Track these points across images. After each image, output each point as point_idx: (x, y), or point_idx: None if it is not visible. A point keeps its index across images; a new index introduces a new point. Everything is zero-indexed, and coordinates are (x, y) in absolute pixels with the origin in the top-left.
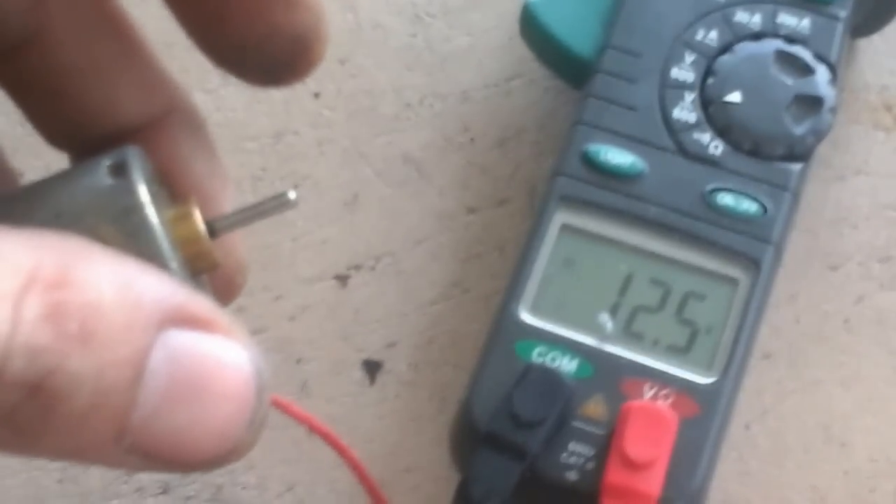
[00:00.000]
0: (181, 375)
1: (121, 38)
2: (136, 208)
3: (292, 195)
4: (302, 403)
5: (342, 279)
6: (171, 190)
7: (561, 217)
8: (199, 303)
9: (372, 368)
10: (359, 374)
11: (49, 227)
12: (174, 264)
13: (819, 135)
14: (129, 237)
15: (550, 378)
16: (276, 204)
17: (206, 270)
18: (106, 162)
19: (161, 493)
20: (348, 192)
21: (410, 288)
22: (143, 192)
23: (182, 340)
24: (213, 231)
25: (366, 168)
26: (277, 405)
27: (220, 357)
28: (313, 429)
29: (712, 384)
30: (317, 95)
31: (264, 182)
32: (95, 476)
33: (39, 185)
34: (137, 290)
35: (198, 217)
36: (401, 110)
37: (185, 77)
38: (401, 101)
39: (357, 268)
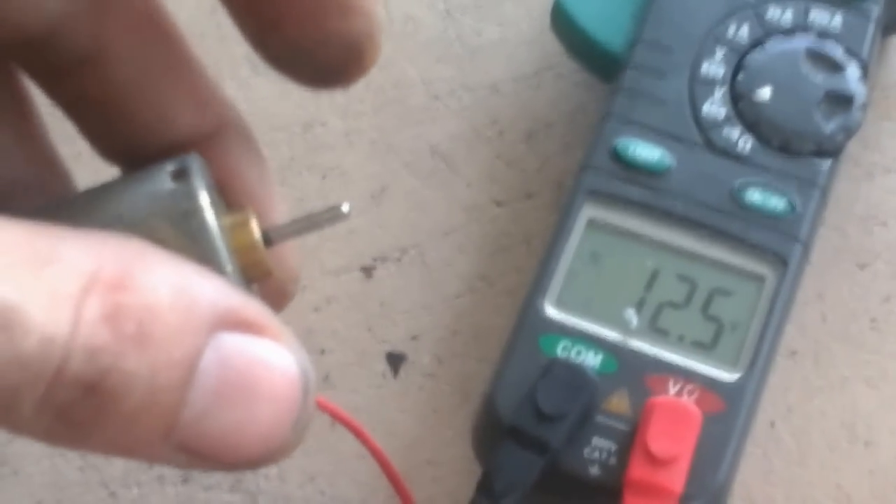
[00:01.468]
0: (231, 377)
1: (176, 54)
2: (196, 212)
3: (346, 208)
4: (325, 395)
5: (367, 271)
6: (227, 201)
7: (588, 211)
8: (251, 307)
9: (395, 361)
10: (382, 366)
11: (110, 229)
12: (230, 268)
13: (849, 132)
14: (189, 240)
15: (575, 373)
16: (330, 216)
17: (260, 279)
18: (168, 167)
19: (182, 483)
20: (376, 184)
21: (436, 280)
22: (204, 197)
23: (233, 343)
24: (267, 240)
25: (394, 160)
26: None
27: (269, 360)
28: (337, 418)
29: (737, 381)
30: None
31: (292, 172)
32: (117, 464)
33: (100, 189)
34: (193, 293)
35: (254, 226)
36: (429, 102)
37: (215, 67)
38: (430, 94)
39: (383, 260)
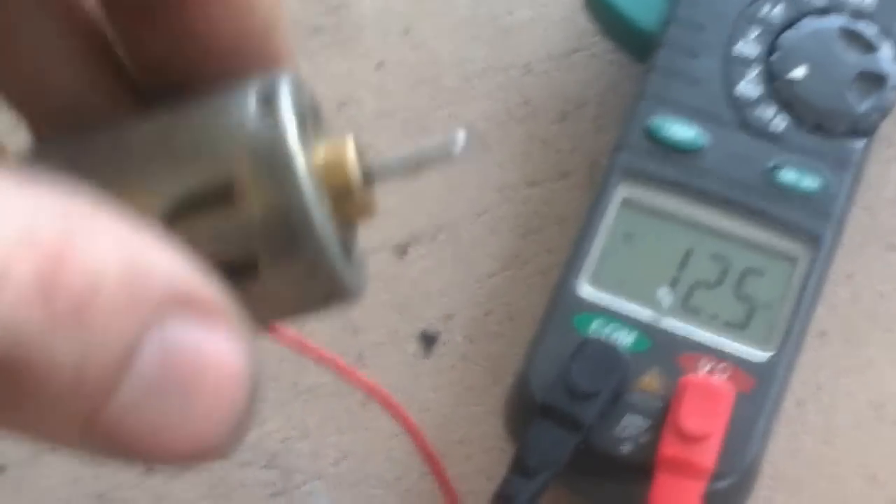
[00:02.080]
0: (172, 369)
1: None
2: (279, 145)
3: (461, 139)
4: (358, 373)
5: (401, 250)
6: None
7: (622, 191)
8: (209, 290)
9: (428, 340)
10: (415, 345)
11: (180, 155)
12: (317, 214)
13: (882, 112)
14: (270, 179)
15: (607, 351)
16: (443, 151)
17: (358, 220)
18: (254, 87)
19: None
20: None
21: (468, 260)
22: (291, 128)
23: (180, 331)
24: (368, 178)
25: (427, 139)
26: (340, 371)
27: (217, 355)
28: (374, 395)
29: (769, 360)
30: (379, 66)
31: None
32: None
33: (169, 112)
34: (144, 268)
35: (353, 161)
36: (462, 82)
37: None
38: (463, 73)
39: (416, 239)
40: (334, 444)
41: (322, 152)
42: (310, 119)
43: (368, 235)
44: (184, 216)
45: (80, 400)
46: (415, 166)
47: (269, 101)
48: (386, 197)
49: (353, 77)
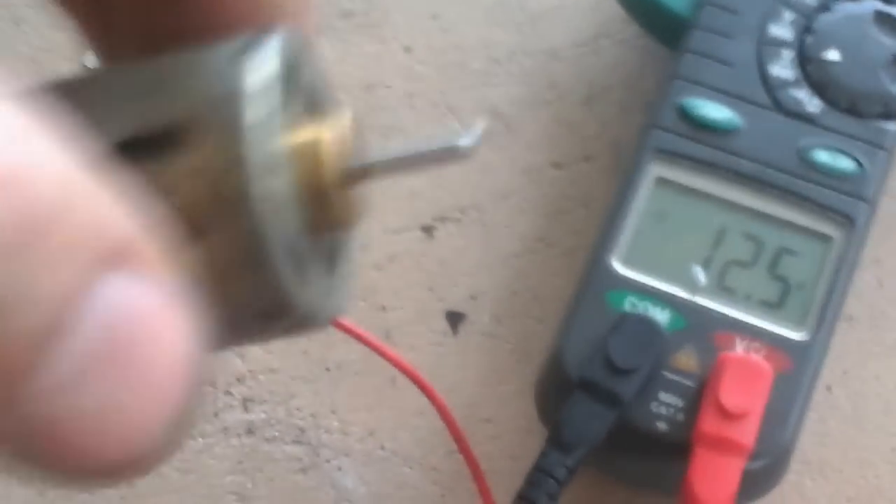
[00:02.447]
0: (110, 339)
1: None
2: (232, 93)
3: (467, 141)
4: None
5: (428, 230)
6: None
7: (655, 170)
8: (158, 249)
9: (455, 319)
10: (442, 324)
11: (141, 92)
12: (262, 184)
13: None
14: (216, 131)
15: (647, 327)
16: (445, 154)
17: (328, 228)
18: (242, 37)
19: (246, 434)
20: None
21: (495, 241)
22: (254, 80)
23: (123, 290)
24: (356, 173)
25: (454, 121)
26: (370, 346)
27: (162, 325)
28: (403, 371)
29: (805, 341)
30: (408, 49)
31: None
32: None
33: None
34: (86, 206)
35: (335, 148)
36: (490, 66)
37: None
38: (490, 57)
39: (443, 219)
40: (362, 420)
41: (305, 134)
42: (305, 95)
43: (396, 214)
44: (134, 160)
45: None
46: (413, 165)
47: (245, 50)
48: (414, 177)
49: (382, 60)
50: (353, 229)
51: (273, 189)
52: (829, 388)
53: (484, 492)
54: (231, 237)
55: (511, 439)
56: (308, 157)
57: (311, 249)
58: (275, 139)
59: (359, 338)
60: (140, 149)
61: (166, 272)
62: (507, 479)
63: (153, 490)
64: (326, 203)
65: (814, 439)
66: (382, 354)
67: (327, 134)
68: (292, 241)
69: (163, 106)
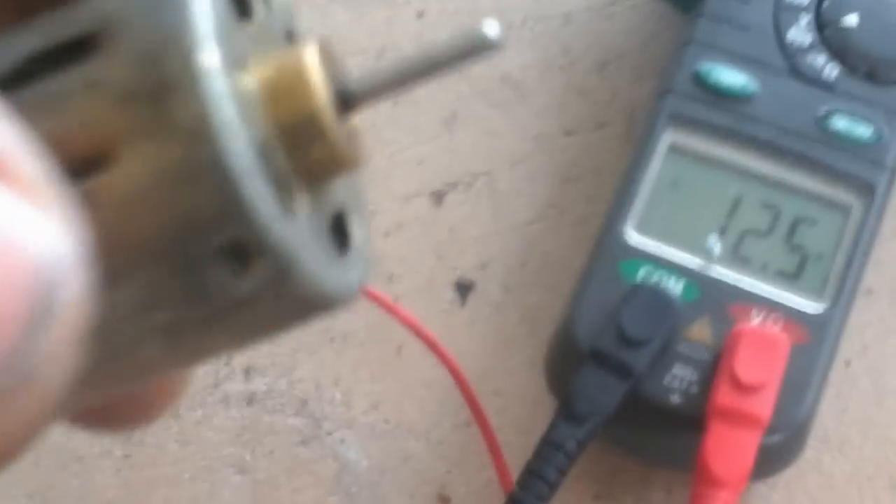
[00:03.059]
0: None
1: None
2: (174, 38)
3: (494, 29)
4: (392, 319)
5: (437, 197)
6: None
7: (669, 136)
8: (23, 152)
9: (464, 289)
10: (450, 294)
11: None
12: (244, 161)
13: None
14: (158, 80)
15: (660, 298)
16: (470, 47)
17: (326, 168)
18: None
19: (246, 405)
20: (447, 111)
21: (505, 208)
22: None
23: None
24: (347, 99)
25: (465, 87)
26: (383, 305)
27: (17, 233)
28: (418, 334)
29: (823, 313)
30: (420, 14)
31: None
32: None
33: None
34: None
35: (317, 75)
36: (502, 31)
37: None
38: (503, 22)
39: (453, 186)
40: (366, 392)
41: (283, 55)
42: (282, 22)
43: (404, 181)
44: (32, 77)
45: None
46: (429, 68)
47: None
48: (424, 143)
49: (393, 26)
50: (356, 170)
51: (257, 151)
52: (847, 363)
53: (498, 461)
54: (167, 139)
55: (520, 412)
56: (291, 78)
57: (310, 199)
58: (230, 82)
59: (374, 299)
60: (47, 62)
61: (42, 197)
62: (515, 452)
63: (150, 461)
64: (320, 133)
65: (832, 416)
66: (396, 315)
67: (310, 52)
68: (270, 156)
69: (72, 17)
